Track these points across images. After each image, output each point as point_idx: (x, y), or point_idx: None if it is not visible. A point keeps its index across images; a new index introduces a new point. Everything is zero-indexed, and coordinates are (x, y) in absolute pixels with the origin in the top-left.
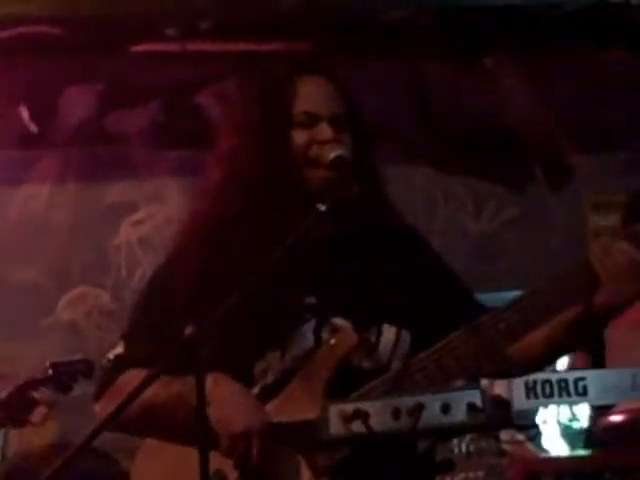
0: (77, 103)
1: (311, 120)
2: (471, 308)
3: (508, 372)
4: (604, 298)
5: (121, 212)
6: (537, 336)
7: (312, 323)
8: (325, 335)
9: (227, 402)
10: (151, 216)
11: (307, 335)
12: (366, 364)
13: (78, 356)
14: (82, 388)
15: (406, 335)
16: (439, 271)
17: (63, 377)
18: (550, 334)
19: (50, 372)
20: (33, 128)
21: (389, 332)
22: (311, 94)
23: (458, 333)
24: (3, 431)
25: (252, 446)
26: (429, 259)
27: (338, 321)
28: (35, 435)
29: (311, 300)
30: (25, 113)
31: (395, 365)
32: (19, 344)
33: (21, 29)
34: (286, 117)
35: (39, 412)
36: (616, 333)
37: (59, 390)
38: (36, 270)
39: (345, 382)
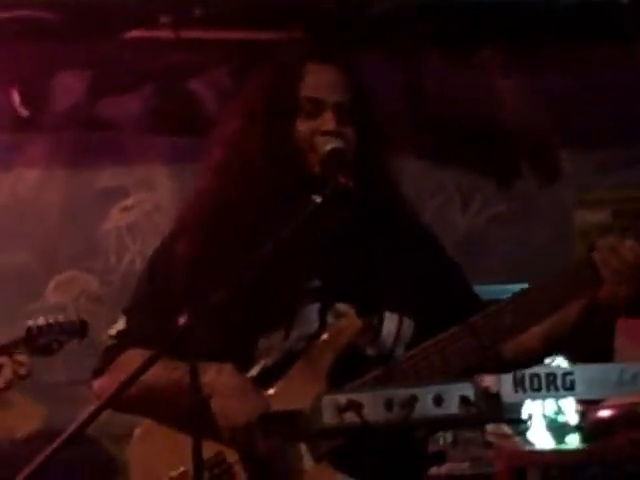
0: (69, 88)
1: (316, 107)
2: (472, 305)
3: (499, 368)
4: (605, 297)
5: (111, 198)
6: (533, 333)
7: (317, 306)
8: (330, 319)
9: (230, 394)
10: (140, 202)
11: (312, 317)
12: (369, 351)
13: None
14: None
15: (409, 323)
16: (443, 265)
17: (41, 340)
18: (547, 331)
19: (24, 335)
20: (24, 112)
21: (391, 319)
22: (317, 81)
23: (456, 329)
24: None
25: (254, 437)
26: (433, 251)
27: (341, 307)
28: (19, 421)
29: (317, 283)
30: (16, 97)
31: (398, 353)
32: (6, 328)
33: (15, 13)
34: (291, 105)
35: (3, 377)
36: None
37: (37, 353)
38: (25, 254)
39: (348, 368)
